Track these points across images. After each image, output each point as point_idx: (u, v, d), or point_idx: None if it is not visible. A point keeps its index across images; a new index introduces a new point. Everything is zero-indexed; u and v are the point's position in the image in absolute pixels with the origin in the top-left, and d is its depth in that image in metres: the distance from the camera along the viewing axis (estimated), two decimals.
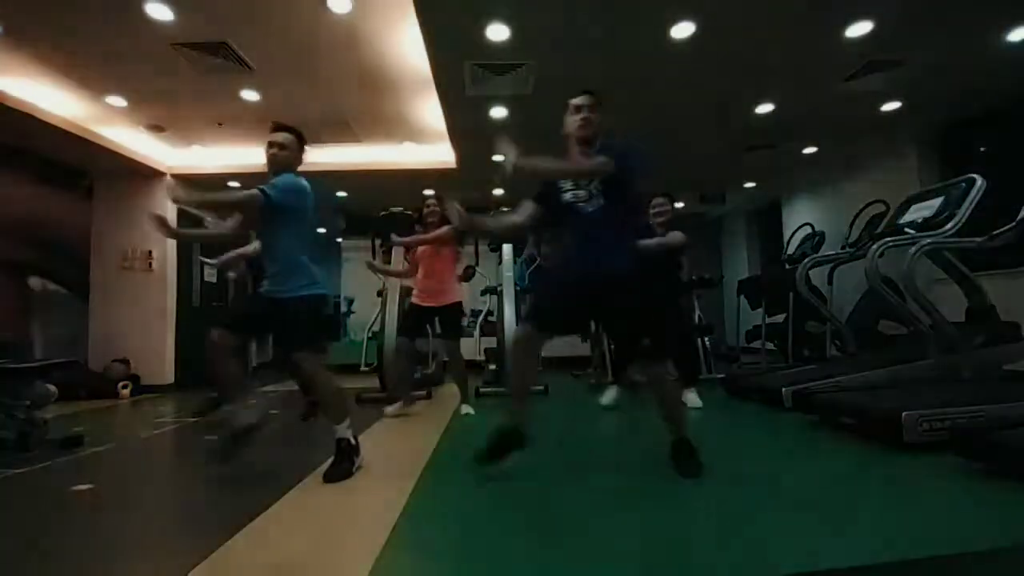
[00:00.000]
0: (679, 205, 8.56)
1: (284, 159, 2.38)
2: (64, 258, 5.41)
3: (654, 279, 2.22)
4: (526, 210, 2.29)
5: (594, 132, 2.19)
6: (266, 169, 2.40)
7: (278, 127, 2.43)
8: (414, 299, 3.70)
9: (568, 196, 2.19)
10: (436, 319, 3.75)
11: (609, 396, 3.65)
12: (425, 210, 3.72)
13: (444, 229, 3.58)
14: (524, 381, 2.22)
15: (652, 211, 3.60)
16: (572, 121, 2.20)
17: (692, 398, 3.62)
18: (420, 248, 3.68)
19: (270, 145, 2.38)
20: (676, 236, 3.48)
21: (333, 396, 2.30)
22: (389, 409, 3.68)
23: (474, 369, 6.06)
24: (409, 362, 3.79)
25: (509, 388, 2.25)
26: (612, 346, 4.18)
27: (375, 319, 4.81)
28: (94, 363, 5.43)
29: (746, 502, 1.82)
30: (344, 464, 2.20)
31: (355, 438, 2.29)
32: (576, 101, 2.21)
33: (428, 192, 3.77)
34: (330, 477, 2.14)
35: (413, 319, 3.69)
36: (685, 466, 2.10)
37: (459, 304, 3.72)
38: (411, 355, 3.90)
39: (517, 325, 2.21)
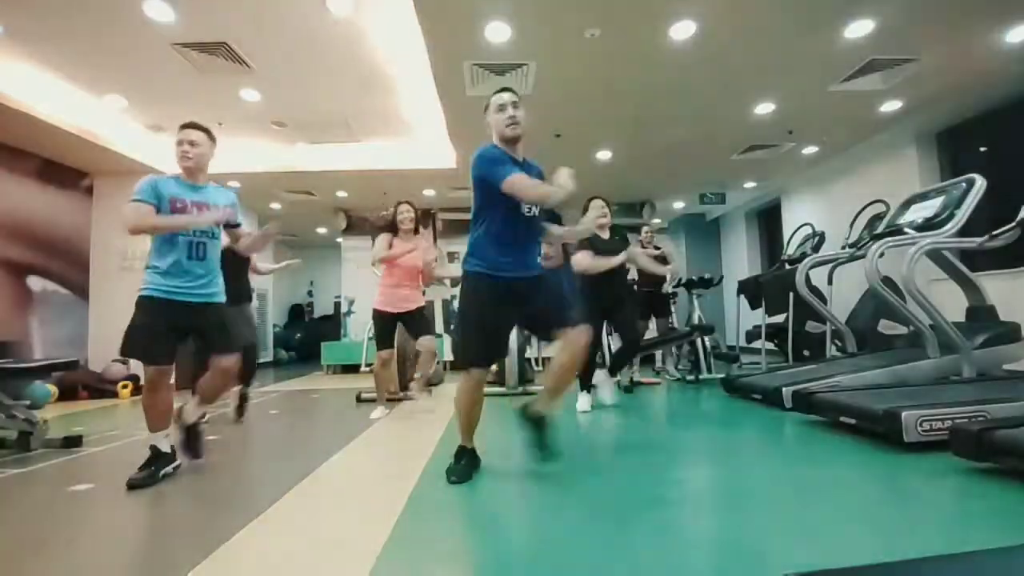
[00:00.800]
0: (679, 205, 8.58)
1: (200, 155, 2.38)
2: (64, 258, 5.41)
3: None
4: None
5: (523, 132, 2.11)
6: (184, 167, 2.38)
7: (189, 125, 2.40)
8: (383, 308, 3.58)
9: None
10: (408, 322, 3.65)
11: (583, 403, 3.61)
12: (399, 216, 3.61)
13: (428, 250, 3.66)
14: (472, 418, 2.23)
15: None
16: (499, 120, 2.10)
17: (584, 401, 3.62)
18: (400, 257, 3.56)
19: (181, 143, 2.35)
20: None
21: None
22: (374, 414, 3.64)
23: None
24: (394, 370, 3.78)
25: (457, 422, 2.25)
26: (611, 348, 4.19)
27: None
28: (94, 363, 5.43)
29: (746, 502, 1.82)
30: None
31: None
32: (502, 98, 2.11)
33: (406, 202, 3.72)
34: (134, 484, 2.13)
35: (389, 328, 3.61)
36: (546, 445, 2.11)
37: (424, 306, 3.72)
38: (400, 359, 3.87)
39: (462, 376, 2.20)
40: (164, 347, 2.27)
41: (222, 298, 2.42)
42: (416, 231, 3.69)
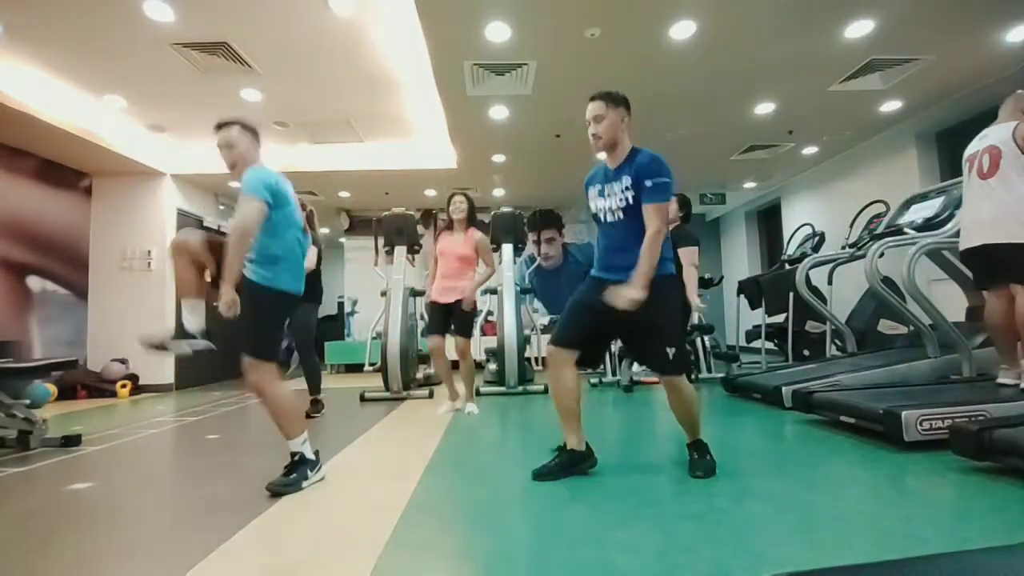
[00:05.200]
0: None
1: (238, 156, 2.15)
2: (64, 258, 5.41)
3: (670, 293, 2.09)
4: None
5: (608, 141, 2.06)
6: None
7: (223, 124, 2.17)
8: (433, 297, 3.71)
9: (595, 205, 2.17)
10: (450, 316, 3.72)
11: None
12: (451, 207, 3.70)
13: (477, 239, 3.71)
14: (563, 402, 2.11)
15: None
16: (589, 137, 2.10)
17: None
18: (442, 246, 3.69)
19: (220, 147, 2.16)
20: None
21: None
22: (443, 409, 3.70)
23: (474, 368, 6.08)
24: (447, 358, 3.78)
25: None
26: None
27: (378, 319, 4.80)
28: (93, 363, 5.43)
29: (745, 501, 1.82)
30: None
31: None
32: (587, 114, 2.07)
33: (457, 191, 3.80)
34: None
35: (438, 316, 3.70)
36: (696, 464, 2.10)
37: (473, 303, 3.71)
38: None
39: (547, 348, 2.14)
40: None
41: (249, 277, 2.07)
42: (468, 223, 3.72)
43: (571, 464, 2.09)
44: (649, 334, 2.01)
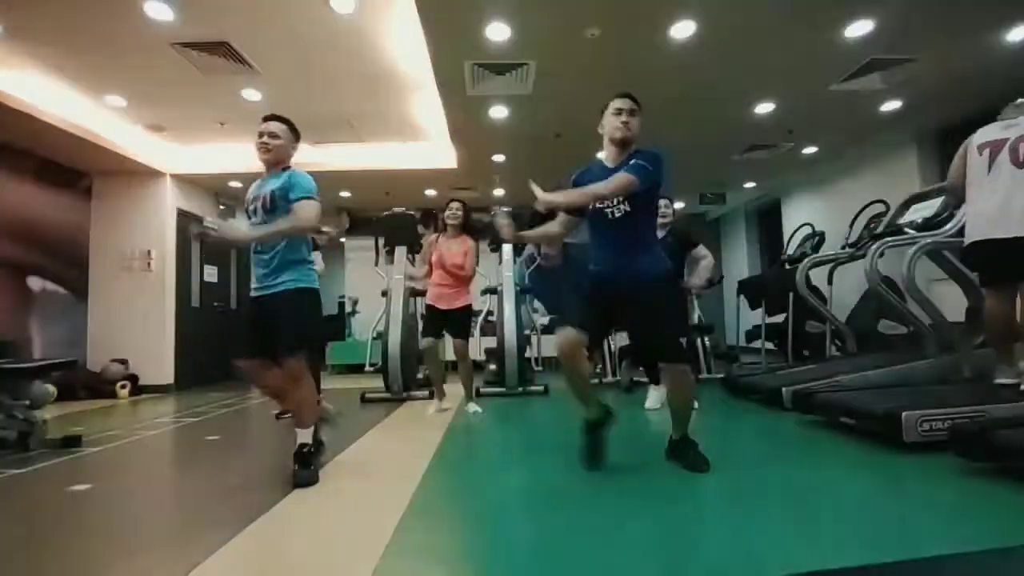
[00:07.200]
0: (679, 205, 8.57)
1: (279, 148, 2.30)
2: (64, 258, 5.41)
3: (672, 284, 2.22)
4: (562, 220, 2.33)
5: (632, 137, 2.19)
6: (263, 160, 2.31)
7: (271, 117, 2.36)
8: (430, 301, 3.77)
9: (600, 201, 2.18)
10: (447, 320, 3.76)
11: (654, 399, 3.64)
12: (447, 212, 3.76)
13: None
14: (580, 384, 2.20)
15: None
16: (612, 123, 2.19)
17: (654, 398, 3.63)
18: (441, 253, 3.70)
19: (261, 135, 2.29)
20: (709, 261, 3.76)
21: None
22: (431, 410, 3.72)
23: (474, 368, 6.08)
24: (440, 360, 3.87)
25: (571, 394, 2.25)
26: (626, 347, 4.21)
27: (379, 319, 4.80)
28: (93, 363, 5.43)
29: (745, 502, 1.82)
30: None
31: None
32: (618, 104, 2.19)
33: (455, 196, 3.82)
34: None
35: (436, 319, 3.75)
36: (692, 460, 2.14)
37: (469, 307, 3.77)
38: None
39: (559, 332, 2.20)
40: (245, 343, 2.26)
41: (291, 286, 2.22)
42: (462, 231, 3.75)
43: (600, 426, 2.20)
44: (655, 322, 2.11)
